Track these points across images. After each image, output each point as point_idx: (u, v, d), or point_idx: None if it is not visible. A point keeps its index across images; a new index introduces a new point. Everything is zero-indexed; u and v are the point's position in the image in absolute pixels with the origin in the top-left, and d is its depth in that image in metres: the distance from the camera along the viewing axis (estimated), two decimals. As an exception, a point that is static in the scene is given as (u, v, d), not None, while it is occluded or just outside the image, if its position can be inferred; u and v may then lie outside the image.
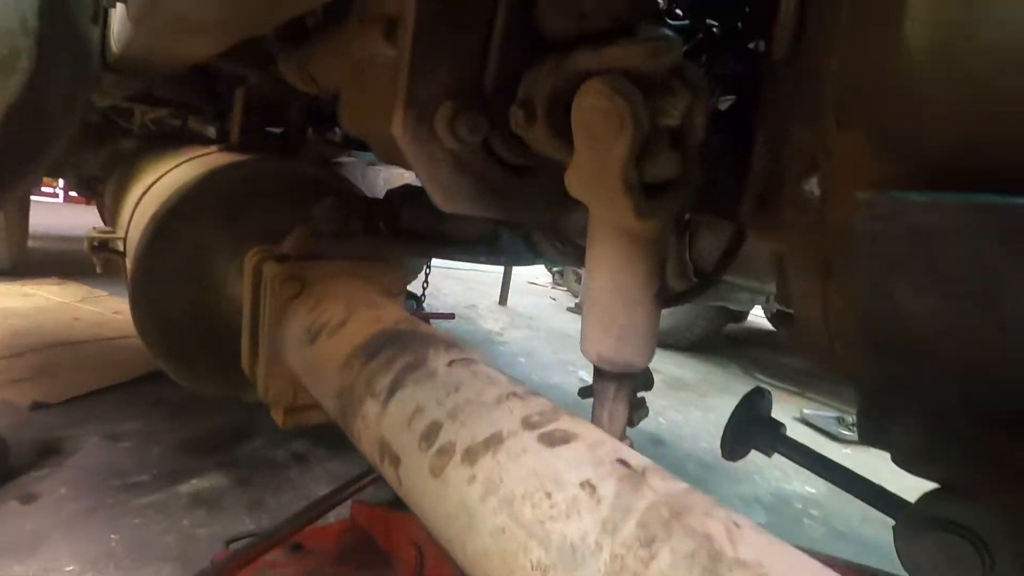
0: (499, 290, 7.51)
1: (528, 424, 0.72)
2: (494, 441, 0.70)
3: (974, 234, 0.42)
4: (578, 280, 8.48)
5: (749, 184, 0.69)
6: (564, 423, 0.72)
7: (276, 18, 0.95)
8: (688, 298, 1.18)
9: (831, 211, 0.55)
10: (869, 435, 0.59)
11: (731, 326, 6.68)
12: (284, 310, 1.22)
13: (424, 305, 4.50)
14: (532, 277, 10.03)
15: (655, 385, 1.37)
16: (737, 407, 1.22)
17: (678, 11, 1.48)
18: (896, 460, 0.66)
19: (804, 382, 5.63)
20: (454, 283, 7.73)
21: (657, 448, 3.44)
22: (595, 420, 0.84)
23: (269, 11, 0.95)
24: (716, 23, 1.38)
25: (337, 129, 3.25)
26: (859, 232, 0.48)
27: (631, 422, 2.06)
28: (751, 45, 1.23)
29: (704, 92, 0.61)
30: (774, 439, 1.18)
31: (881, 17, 0.50)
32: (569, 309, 7.90)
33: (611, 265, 0.67)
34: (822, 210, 0.56)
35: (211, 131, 3.38)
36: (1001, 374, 0.46)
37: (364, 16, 0.93)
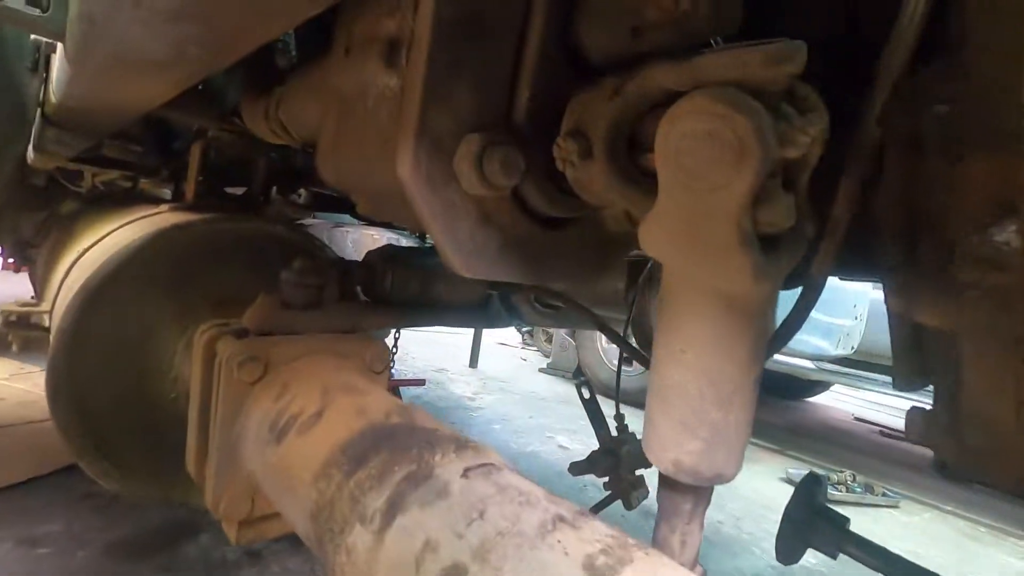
0: (469, 352, 7.25)
1: (595, 571, 0.51)
2: (550, 601, 0.49)
3: None
4: (548, 340, 8.30)
5: (885, 239, 0.53)
6: (641, 565, 0.52)
7: (239, 50, 0.78)
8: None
9: (1035, 270, 0.40)
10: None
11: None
12: (242, 398, 0.99)
13: (393, 371, 4.22)
14: (501, 338, 9.82)
15: None
16: (793, 499, 1.03)
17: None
18: None
19: (784, 439, 5.50)
20: (422, 345, 7.45)
21: (650, 521, 3.19)
22: (660, 543, 0.64)
23: (231, 41, 0.79)
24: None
25: (302, 190, 3.08)
26: None
27: (629, 504, 1.82)
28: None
29: (824, 115, 0.46)
30: (840, 537, 0.99)
31: None
32: (541, 370, 7.69)
33: (705, 345, 0.49)
34: (1020, 266, 0.41)
35: (167, 193, 3.16)
36: None
37: (352, 43, 0.78)
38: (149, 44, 0.85)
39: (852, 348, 5.25)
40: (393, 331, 4.40)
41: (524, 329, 9.50)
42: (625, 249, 0.78)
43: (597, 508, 1.59)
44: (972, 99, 0.42)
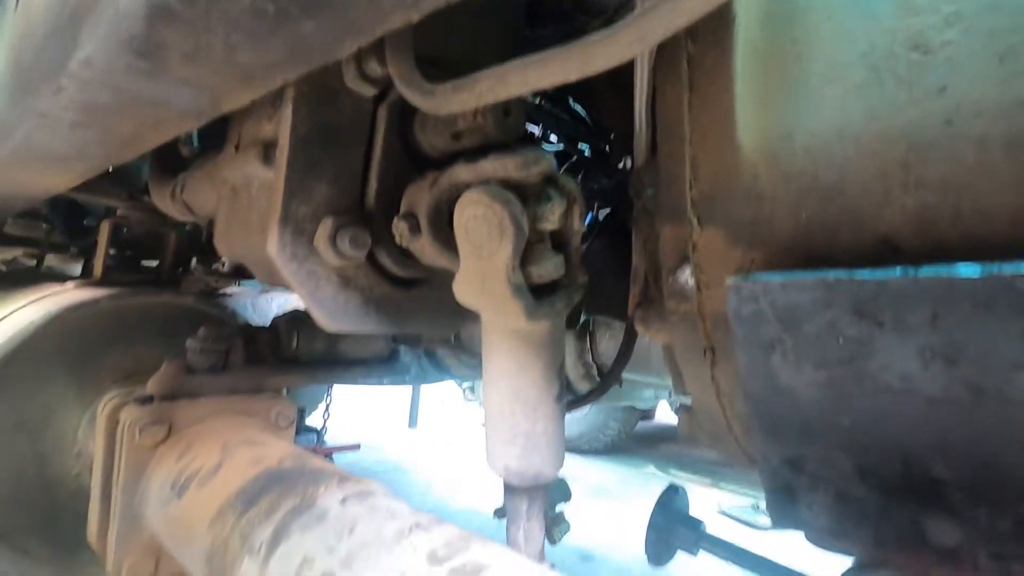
0: (408, 412, 7.15)
1: (435, 559, 0.63)
2: (396, 588, 0.61)
3: (827, 306, 0.45)
4: (489, 394, 8.34)
5: (632, 283, 0.73)
6: (475, 552, 0.65)
7: (136, 151, 0.91)
8: (592, 398, 1.17)
9: (705, 300, 0.59)
10: (779, 517, 0.58)
11: (642, 424, 6.80)
12: (145, 462, 1.05)
13: (325, 439, 4.14)
14: (443, 395, 9.72)
15: (576, 496, 1.30)
16: (655, 509, 1.19)
17: (553, 137, 1.65)
18: (810, 539, 0.65)
19: (717, 473, 5.73)
20: (359, 409, 7.28)
21: (586, 563, 3.24)
22: (510, 542, 0.76)
23: (128, 144, 0.91)
24: (587, 146, 1.55)
25: (225, 259, 3.11)
26: (734, 315, 0.50)
27: (552, 538, 1.93)
28: (619, 164, 1.39)
29: (579, 198, 0.65)
30: (697, 537, 1.15)
31: (717, 131, 0.57)
32: (483, 424, 7.65)
33: (508, 371, 0.65)
34: (698, 299, 0.59)
35: (77, 270, 3.09)
36: (882, 439, 0.48)
37: (240, 141, 0.93)
38: (53, 145, 0.96)
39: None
40: (325, 397, 4.36)
41: (465, 385, 9.47)
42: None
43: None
44: (662, 187, 0.62)
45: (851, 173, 0.50)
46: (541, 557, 0.78)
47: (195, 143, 1.27)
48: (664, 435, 7.43)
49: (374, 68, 0.70)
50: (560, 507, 2.04)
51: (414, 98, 0.62)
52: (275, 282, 1.07)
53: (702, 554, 1.19)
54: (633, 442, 6.49)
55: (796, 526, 0.57)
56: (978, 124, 0.44)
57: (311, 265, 0.76)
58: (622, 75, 0.98)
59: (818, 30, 0.55)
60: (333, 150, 0.77)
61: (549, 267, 0.63)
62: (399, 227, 0.72)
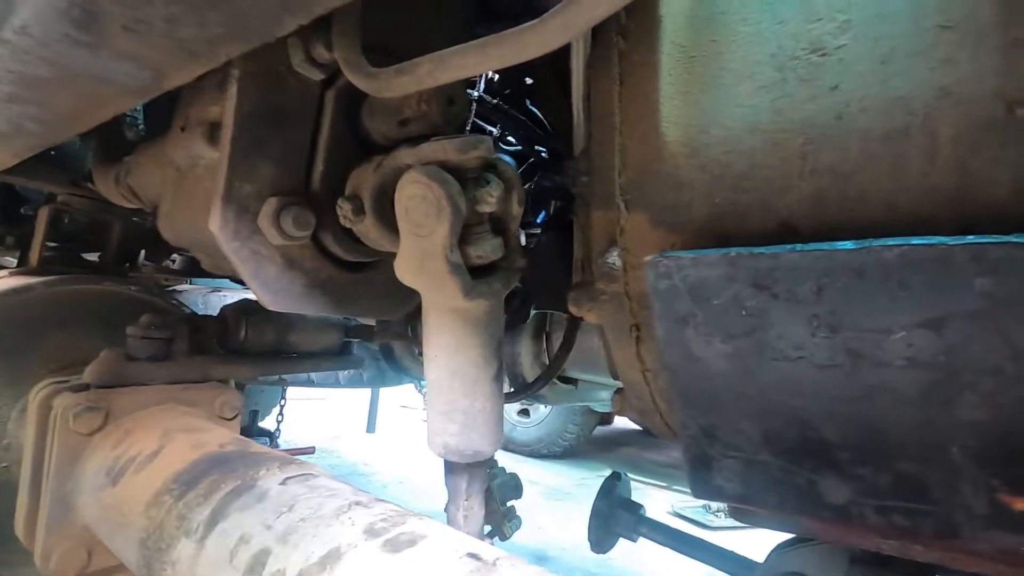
0: (366, 417, 7.05)
1: (371, 532, 0.65)
2: (331, 558, 0.62)
3: (731, 281, 0.49)
4: (449, 398, 8.30)
5: (573, 270, 0.77)
6: (411, 525, 0.66)
7: (75, 129, 0.89)
8: (538, 387, 1.20)
9: (631, 281, 0.63)
10: (700, 489, 0.62)
11: (600, 429, 6.90)
12: (79, 450, 1.02)
13: (278, 442, 4.05)
14: (403, 401, 9.62)
15: (534, 498, 1.31)
16: (598, 495, 1.23)
17: (511, 139, 1.69)
18: (732, 513, 0.70)
19: (672, 476, 5.87)
20: (316, 413, 7.13)
21: (542, 564, 3.27)
22: (450, 520, 0.78)
23: (66, 122, 0.89)
24: (544, 148, 1.60)
25: (176, 256, 3.01)
26: (652, 290, 0.54)
27: (503, 534, 1.96)
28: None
29: (517, 183, 0.68)
30: (637, 523, 1.19)
31: (644, 122, 0.62)
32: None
33: (447, 349, 0.67)
34: (624, 279, 0.63)
35: (11, 262, 2.94)
36: (781, 406, 0.52)
37: (186, 123, 0.92)
38: (-13, 119, 0.93)
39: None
40: (279, 400, 4.26)
41: (425, 390, 9.39)
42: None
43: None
44: (594, 174, 0.66)
45: (758, 163, 0.54)
46: (481, 536, 0.81)
47: (141, 125, 1.25)
48: (622, 439, 7.55)
49: (321, 53, 0.71)
50: (512, 503, 2.07)
51: (358, 80, 0.64)
52: (218, 267, 1.06)
53: (646, 543, 1.23)
54: (592, 446, 6.58)
55: (714, 496, 0.61)
56: (863, 118, 0.49)
57: (254, 244, 0.77)
58: (568, 76, 1.02)
59: (735, 32, 0.59)
60: (279, 131, 0.77)
61: (487, 248, 0.65)
62: (343, 208, 0.73)
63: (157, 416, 1.08)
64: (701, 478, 0.61)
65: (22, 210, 2.43)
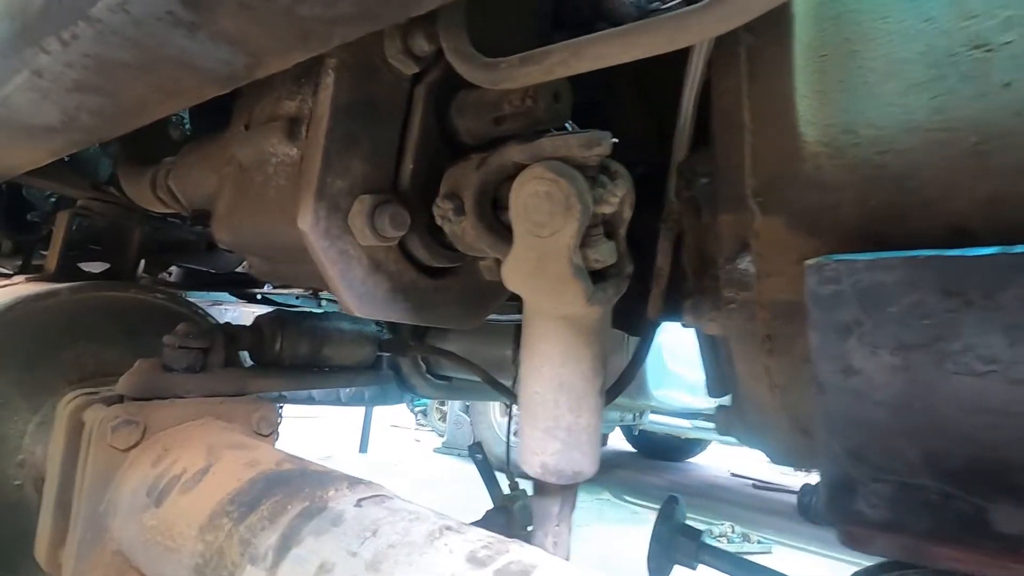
0: (359, 436, 6.91)
1: (476, 561, 0.59)
2: (439, 591, 0.56)
3: (913, 286, 0.45)
4: (442, 419, 8.16)
5: (655, 281, 0.72)
6: (516, 553, 0.61)
7: (134, 123, 0.84)
8: (613, 395, 1.15)
9: (765, 288, 0.59)
10: (837, 514, 0.57)
11: (596, 450, 6.81)
12: (114, 468, 0.95)
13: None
14: (394, 420, 9.48)
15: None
16: (657, 521, 1.17)
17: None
18: (845, 539, 0.65)
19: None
20: (308, 431, 6.97)
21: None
22: (536, 547, 0.72)
23: (129, 114, 0.84)
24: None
25: (173, 267, 2.93)
26: (811, 296, 0.50)
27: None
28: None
29: (631, 184, 0.64)
30: (697, 550, 1.13)
31: (778, 122, 0.58)
32: (436, 450, 7.49)
33: (555, 360, 0.62)
34: (758, 287, 0.59)
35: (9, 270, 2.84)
36: (953, 424, 0.48)
37: (252, 121, 0.87)
38: (38, 111, 0.87)
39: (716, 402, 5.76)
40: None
41: (417, 409, 9.26)
42: (497, 297, 0.92)
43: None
44: (719, 175, 0.63)
45: (919, 163, 0.51)
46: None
47: (187, 125, 1.20)
48: (619, 461, 7.47)
49: (420, 44, 0.68)
50: (531, 527, 1.98)
51: (468, 71, 0.60)
52: (274, 273, 1.00)
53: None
54: (588, 468, 6.47)
55: (852, 521, 0.57)
56: None
57: (343, 244, 0.72)
58: (646, 76, 0.99)
59: (872, 30, 0.57)
60: (370, 126, 0.73)
61: (604, 252, 0.61)
62: (442, 208, 0.69)
63: (197, 431, 1.01)
64: (839, 502, 0.57)
65: (28, 216, 2.35)
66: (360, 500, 0.74)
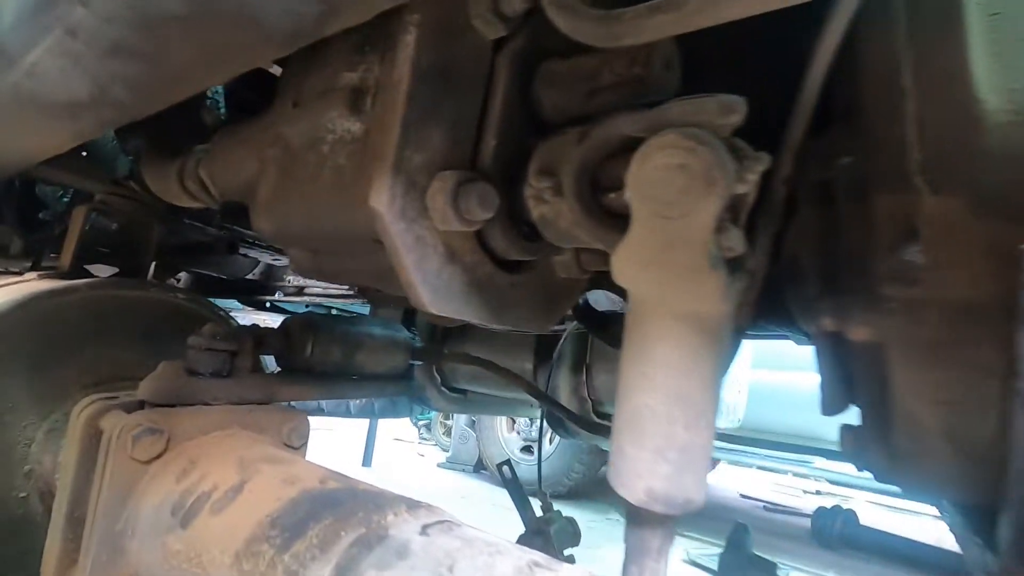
0: (362, 450, 6.77)
1: (584, 608, 0.49)
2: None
3: None
4: (447, 433, 8.01)
5: (795, 276, 0.62)
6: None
7: (171, 97, 0.76)
8: None
9: (940, 283, 0.49)
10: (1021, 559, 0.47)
11: (606, 469, 6.67)
12: (134, 481, 0.85)
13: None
14: (397, 433, 9.34)
15: None
16: (726, 550, 1.06)
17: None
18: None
19: (686, 522, 5.64)
20: (311, 446, 6.81)
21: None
22: (629, 586, 0.62)
23: (168, 85, 0.76)
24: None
25: (182, 272, 2.85)
26: (1025, 291, 0.40)
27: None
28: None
29: (768, 160, 0.55)
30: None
31: (949, 87, 0.49)
32: (440, 465, 7.35)
33: (672, 367, 0.52)
34: (931, 283, 0.49)
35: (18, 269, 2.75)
36: None
37: (302, 97, 0.79)
38: (67, 81, 0.79)
39: (738, 421, 5.64)
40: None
41: (421, 423, 9.11)
42: (571, 297, 0.82)
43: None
44: (871, 152, 0.53)
45: None
46: (664, 605, 0.64)
47: (222, 108, 1.12)
48: (627, 480, 7.30)
49: (512, 3, 0.59)
50: (569, 551, 1.86)
51: (577, 27, 0.51)
52: (318, 268, 0.91)
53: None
54: (597, 487, 6.34)
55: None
56: None
57: (419, 229, 0.62)
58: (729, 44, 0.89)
59: None
60: (451, 95, 0.64)
61: (734, 239, 0.51)
62: (536, 187, 0.59)
63: (226, 442, 0.91)
64: (1028, 547, 0.47)
65: (40, 215, 2.27)
66: (425, 527, 0.64)
